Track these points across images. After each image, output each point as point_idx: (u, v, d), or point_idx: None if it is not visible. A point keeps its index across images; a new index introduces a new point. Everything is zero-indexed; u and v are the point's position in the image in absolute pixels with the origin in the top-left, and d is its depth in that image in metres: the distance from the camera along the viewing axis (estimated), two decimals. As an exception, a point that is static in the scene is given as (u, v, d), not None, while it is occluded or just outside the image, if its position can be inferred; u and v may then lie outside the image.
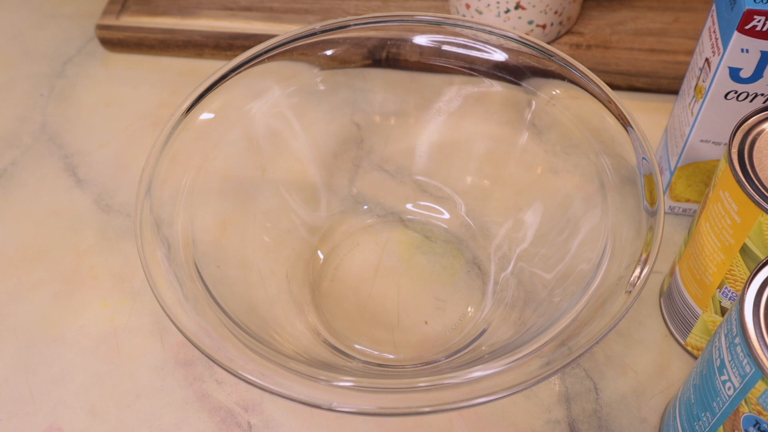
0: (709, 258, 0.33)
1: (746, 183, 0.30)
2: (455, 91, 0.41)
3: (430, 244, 0.42)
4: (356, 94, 0.42)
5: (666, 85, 0.49)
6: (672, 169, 0.41)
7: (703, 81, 0.36)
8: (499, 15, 0.48)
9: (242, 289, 0.36)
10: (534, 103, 0.38)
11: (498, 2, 0.48)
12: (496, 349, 0.33)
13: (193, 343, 0.29)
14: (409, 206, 0.43)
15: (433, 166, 0.43)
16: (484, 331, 0.37)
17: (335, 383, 0.28)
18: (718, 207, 0.32)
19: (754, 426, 0.26)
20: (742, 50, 0.33)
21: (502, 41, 0.38)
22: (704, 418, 0.29)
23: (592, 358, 0.38)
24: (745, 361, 0.25)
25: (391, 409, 0.27)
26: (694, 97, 0.38)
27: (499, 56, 0.38)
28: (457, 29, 0.38)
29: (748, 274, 0.32)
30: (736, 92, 0.35)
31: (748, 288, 0.26)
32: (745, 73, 0.34)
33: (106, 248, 0.43)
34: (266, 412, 0.36)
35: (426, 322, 0.39)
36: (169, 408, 0.37)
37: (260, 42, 0.38)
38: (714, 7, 0.36)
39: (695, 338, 0.37)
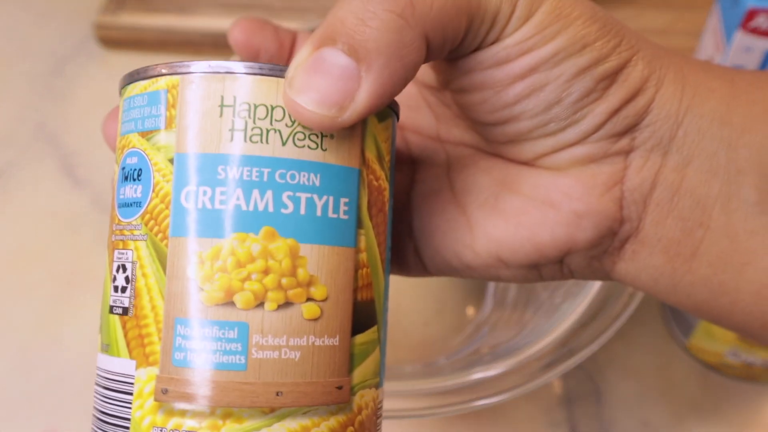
0: (712, 258, 0.33)
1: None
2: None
3: (430, 244, 0.42)
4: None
5: (667, 84, 0.49)
6: (674, 168, 0.40)
7: (706, 80, 0.36)
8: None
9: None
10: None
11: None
12: (496, 351, 0.33)
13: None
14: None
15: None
16: (484, 333, 0.37)
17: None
18: (720, 207, 0.32)
19: None
20: (745, 49, 0.33)
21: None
22: None
23: (593, 359, 0.38)
24: None
25: (391, 410, 0.27)
26: (696, 96, 0.37)
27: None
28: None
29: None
30: (738, 91, 0.35)
31: None
32: (747, 72, 0.34)
33: (104, 249, 0.43)
34: (265, 414, 0.36)
35: (426, 324, 0.39)
36: (167, 410, 0.36)
37: (259, 41, 0.37)
38: (717, 6, 0.36)
39: (697, 339, 0.36)
